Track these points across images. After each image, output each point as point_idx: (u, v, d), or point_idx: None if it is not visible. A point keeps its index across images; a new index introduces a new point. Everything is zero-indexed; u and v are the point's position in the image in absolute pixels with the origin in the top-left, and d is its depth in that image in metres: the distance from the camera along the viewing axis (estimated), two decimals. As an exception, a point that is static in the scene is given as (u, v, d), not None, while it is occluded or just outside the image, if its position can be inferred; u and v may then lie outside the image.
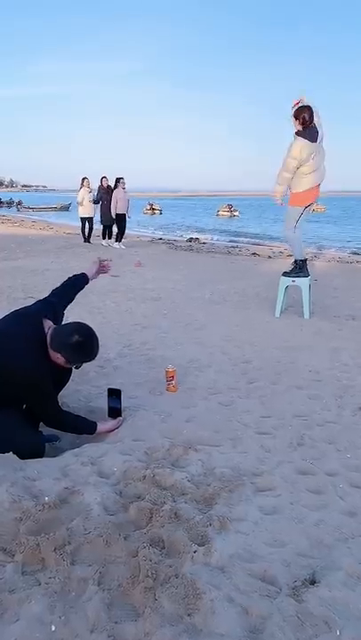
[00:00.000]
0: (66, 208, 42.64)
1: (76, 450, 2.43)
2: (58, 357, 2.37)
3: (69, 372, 2.66)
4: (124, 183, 12.49)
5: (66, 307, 2.74)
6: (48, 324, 2.44)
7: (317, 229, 24.88)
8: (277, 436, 2.56)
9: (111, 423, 2.66)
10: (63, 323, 2.59)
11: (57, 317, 2.58)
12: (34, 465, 2.21)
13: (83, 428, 2.56)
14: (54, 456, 2.40)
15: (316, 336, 4.57)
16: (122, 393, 2.75)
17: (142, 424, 2.70)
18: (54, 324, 2.47)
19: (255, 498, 1.99)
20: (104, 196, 12.79)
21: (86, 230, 13.68)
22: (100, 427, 2.59)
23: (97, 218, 13.37)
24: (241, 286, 7.32)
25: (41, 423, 2.55)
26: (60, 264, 9.26)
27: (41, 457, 2.35)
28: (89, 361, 2.51)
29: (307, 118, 4.71)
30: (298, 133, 4.75)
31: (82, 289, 2.89)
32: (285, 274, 5.30)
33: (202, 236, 19.96)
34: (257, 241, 19.59)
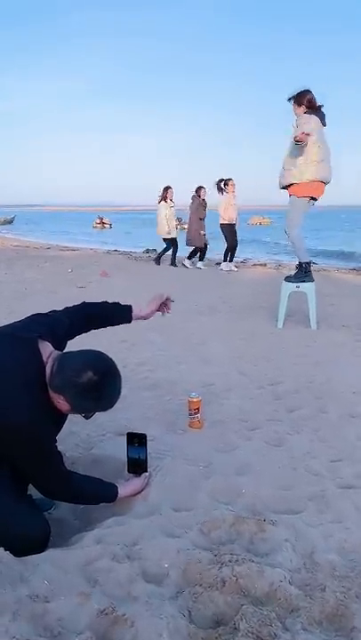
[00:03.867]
0: (9, 222, 41.12)
1: (95, 531, 1.64)
2: (59, 401, 1.57)
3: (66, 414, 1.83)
4: (233, 186, 9.56)
5: (73, 336, 1.87)
6: (47, 350, 1.62)
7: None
8: (370, 490, 1.88)
9: (136, 483, 1.88)
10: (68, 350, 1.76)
11: (58, 343, 1.72)
12: (40, 568, 1.41)
13: (99, 496, 1.77)
14: (65, 545, 1.61)
15: (335, 349, 3.95)
16: (147, 438, 1.99)
17: (178, 481, 1.94)
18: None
19: None
20: (196, 210, 9.98)
21: (168, 252, 10.49)
22: (123, 490, 1.81)
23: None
24: (223, 295, 6.66)
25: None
26: (15, 275, 8.37)
27: (45, 549, 1.56)
28: (105, 410, 1.67)
29: (313, 100, 4.18)
30: (307, 112, 4.19)
31: (111, 324, 2.05)
32: (288, 279, 4.67)
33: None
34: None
